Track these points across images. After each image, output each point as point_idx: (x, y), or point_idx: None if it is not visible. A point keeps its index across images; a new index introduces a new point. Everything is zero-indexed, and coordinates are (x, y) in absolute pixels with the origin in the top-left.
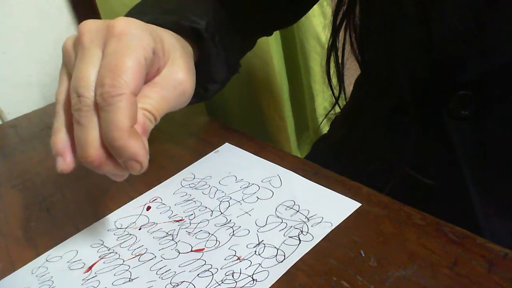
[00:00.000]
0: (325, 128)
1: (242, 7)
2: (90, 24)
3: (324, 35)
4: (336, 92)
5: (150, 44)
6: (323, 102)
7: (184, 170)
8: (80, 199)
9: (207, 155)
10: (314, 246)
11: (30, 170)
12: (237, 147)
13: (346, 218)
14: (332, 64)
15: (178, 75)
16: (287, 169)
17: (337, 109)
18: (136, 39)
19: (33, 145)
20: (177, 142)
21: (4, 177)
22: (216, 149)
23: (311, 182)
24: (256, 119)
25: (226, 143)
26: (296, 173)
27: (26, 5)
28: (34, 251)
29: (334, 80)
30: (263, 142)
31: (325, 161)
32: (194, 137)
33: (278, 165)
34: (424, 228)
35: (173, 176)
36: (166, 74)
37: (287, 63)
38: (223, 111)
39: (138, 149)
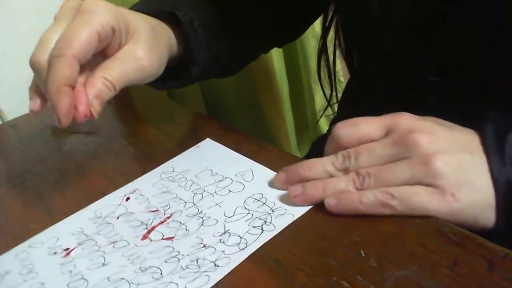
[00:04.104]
0: (325, 128)
1: (243, 19)
2: (68, 3)
3: None
4: (328, 93)
5: (109, 22)
6: (323, 102)
7: (165, 163)
8: (80, 199)
9: (187, 150)
10: (315, 246)
11: (30, 170)
12: (217, 143)
13: (347, 218)
14: (323, 64)
15: (137, 52)
16: None
17: (335, 109)
18: (97, 16)
19: (33, 145)
20: (177, 142)
21: (4, 177)
22: (197, 144)
23: None
24: (256, 119)
25: (207, 139)
26: None
27: (26, 5)
28: None
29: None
30: (263, 142)
31: None
32: (193, 137)
33: (278, 164)
34: (424, 228)
35: (155, 169)
36: (126, 50)
37: (287, 63)
38: (223, 111)
39: (60, 108)
